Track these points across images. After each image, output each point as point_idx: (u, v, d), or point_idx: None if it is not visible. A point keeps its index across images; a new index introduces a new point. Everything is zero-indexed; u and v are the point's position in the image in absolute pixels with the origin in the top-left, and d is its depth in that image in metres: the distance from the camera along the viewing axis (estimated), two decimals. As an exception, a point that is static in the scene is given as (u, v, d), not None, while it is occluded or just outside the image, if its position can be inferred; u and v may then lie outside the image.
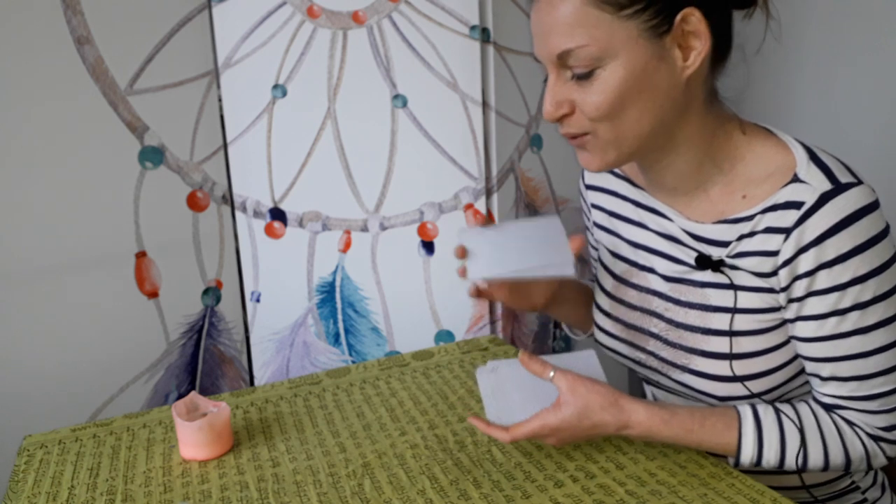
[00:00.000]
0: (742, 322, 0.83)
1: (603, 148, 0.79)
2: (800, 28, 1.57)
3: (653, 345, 0.91)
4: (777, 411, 0.82)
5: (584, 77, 0.75)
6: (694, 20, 0.74)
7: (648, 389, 1.03)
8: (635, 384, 1.69)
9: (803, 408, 0.83)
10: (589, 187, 1.02)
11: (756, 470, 0.88)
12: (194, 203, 1.35)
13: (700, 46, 0.75)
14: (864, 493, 0.94)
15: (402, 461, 0.90)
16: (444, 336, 1.55)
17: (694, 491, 0.81)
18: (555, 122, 0.80)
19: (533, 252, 0.88)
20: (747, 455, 0.81)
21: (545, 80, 0.80)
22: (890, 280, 0.76)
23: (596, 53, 0.73)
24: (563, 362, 0.88)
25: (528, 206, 1.63)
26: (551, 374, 0.83)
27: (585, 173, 1.03)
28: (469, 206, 1.53)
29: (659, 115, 0.77)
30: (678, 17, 0.73)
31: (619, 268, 0.96)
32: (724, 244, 0.82)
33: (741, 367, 0.83)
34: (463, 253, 0.88)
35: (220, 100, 1.34)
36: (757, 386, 0.83)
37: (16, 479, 0.90)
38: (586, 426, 0.82)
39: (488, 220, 0.94)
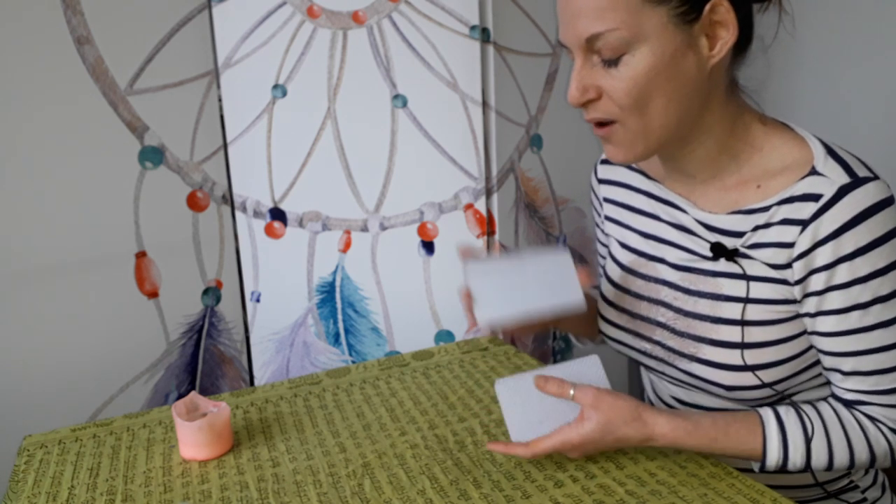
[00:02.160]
0: (754, 312, 0.83)
1: (631, 140, 0.79)
2: (806, 24, 1.56)
3: (659, 334, 0.91)
4: (798, 412, 0.82)
5: (612, 63, 0.75)
6: (722, 10, 0.74)
7: (647, 377, 1.03)
8: (634, 376, 1.69)
9: (824, 407, 0.83)
10: (602, 181, 1.02)
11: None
12: (194, 203, 1.35)
13: (727, 36, 0.76)
14: (863, 492, 0.94)
15: (402, 461, 0.90)
16: (444, 336, 1.55)
17: (694, 491, 0.81)
18: (579, 107, 0.79)
19: (540, 292, 0.86)
20: (773, 459, 0.81)
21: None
22: None
23: (626, 38, 0.73)
24: (568, 370, 0.87)
25: (528, 206, 1.63)
26: (571, 392, 0.83)
27: (599, 168, 1.03)
28: (469, 206, 1.53)
29: (685, 104, 0.78)
30: (707, 7, 0.74)
31: (628, 258, 0.96)
32: (739, 234, 0.83)
33: (752, 357, 0.83)
34: (469, 294, 0.87)
35: (220, 100, 1.34)
36: (767, 375, 0.83)
37: (16, 479, 0.90)
38: (609, 441, 0.82)
39: (493, 248, 0.93)
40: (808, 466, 0.81)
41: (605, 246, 1.04)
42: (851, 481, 0.93)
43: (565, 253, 0.88)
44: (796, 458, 0.81)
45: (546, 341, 1.74)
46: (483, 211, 1.55)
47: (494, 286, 0.86)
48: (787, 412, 0.82)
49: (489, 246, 1.57)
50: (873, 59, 1.48)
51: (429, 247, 1.52)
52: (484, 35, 1.49)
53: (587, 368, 0.87)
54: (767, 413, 0.82)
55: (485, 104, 1.52)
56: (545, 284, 0.86)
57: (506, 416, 0.85)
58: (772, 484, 0.90)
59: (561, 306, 0.86)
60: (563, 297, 0.86)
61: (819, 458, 0.80)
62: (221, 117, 1.35)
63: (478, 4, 1.47)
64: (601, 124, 0.80)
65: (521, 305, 0.85)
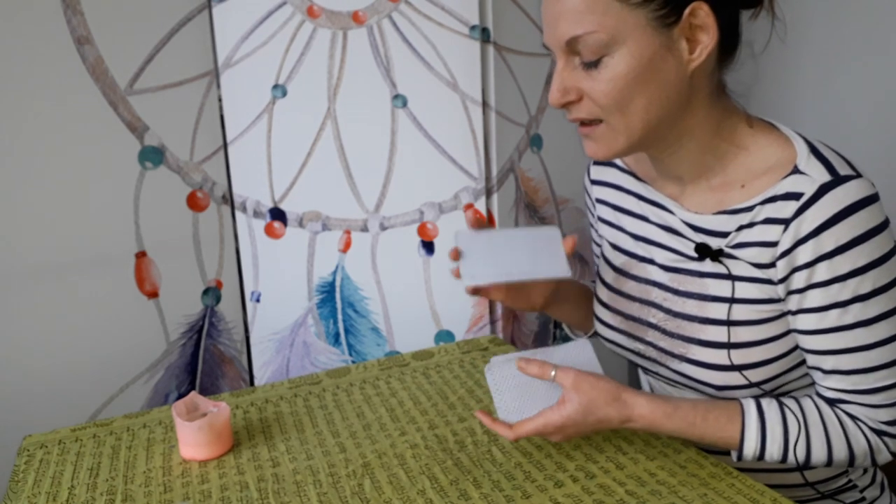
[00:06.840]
0: (740, 312, 0.83)
1: (613, 137, 0.80)
2: (802, 26, 1.56)
3: (651, 335, 0.92)
4: (780, 405, 0.82)
5: (592, 64, 0.76)
6: (702, 14, 0.74)
7: (645, 380, 1.03)
8: (634, 376, 1.69)
9: (807, 402, 0.83)
10: (594, 182, 1.02)
11: (757, 468, 0.88)
12: (194, 203, 1.35)
13: (707, 40, 0.76)
14: (862, 491, 0.94)
15: (402, 461, 0.90)
16: (444, 336, 1.55)
17: (694, 491, 0.81)
18: (560, 108, 0.80)
19: (526, 256, 0.88)
20: (750, 448, 0.81)
21: (547, 80, 0.80)
22: (889, 273, 0.76)
23: (604, 40, 0.74)
24: (560, 354, 0.88)
25: (528, 206, 1.63)
26: (552, 373, 0.83)
27: (591, 169, 1.03)
28: (469, 206, 1.53)
29: (665, 106, 0.78)
30: (687, 10, 0.74)
31: (620, 260, 0.97)
32: (724, 234, 0.83)
33: (739, 356, 0.83)
34: (457, 255, 0.88)
35: (220, 100, 1.34)
36: (754, 375, 0.84)
37: (16, 479, 0.90)
38: (591, 422, 0.82)
39: (487, 222, 0.94)
40: (784, 459, 0.81)
41: (600, 246, 1.04)
42: (850, 480, 0.93)
43: (555, 229, 0.90)
44: (773, 451, 0.81)
45: (546, 341, 1.74)
46: (483, 211, 1.55)
47: (482, 248, 0.88)
48: (769, 404, 0.82)
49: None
50: (867, 62, 1.48)
51: (429, 247, 1.52)
52: (484, 35, 1.49)
53: (578, 352, 0.88)
54: (749, 403, 0.83)
55: (485, 104, 1.52)
56: (530, 251, 0.89)
57: (494, 397, 0.86)
58: (770, 483, 0.90)
59: (544, 269, 0.88)
60: (546, 260, 0.88)
61: (797, 452, 0.81)
62: (221, 117, 1.35)
63: (478, 4, 1.47)
64: (585, 123, 0.81)
65: (504, 268, 0.87)
